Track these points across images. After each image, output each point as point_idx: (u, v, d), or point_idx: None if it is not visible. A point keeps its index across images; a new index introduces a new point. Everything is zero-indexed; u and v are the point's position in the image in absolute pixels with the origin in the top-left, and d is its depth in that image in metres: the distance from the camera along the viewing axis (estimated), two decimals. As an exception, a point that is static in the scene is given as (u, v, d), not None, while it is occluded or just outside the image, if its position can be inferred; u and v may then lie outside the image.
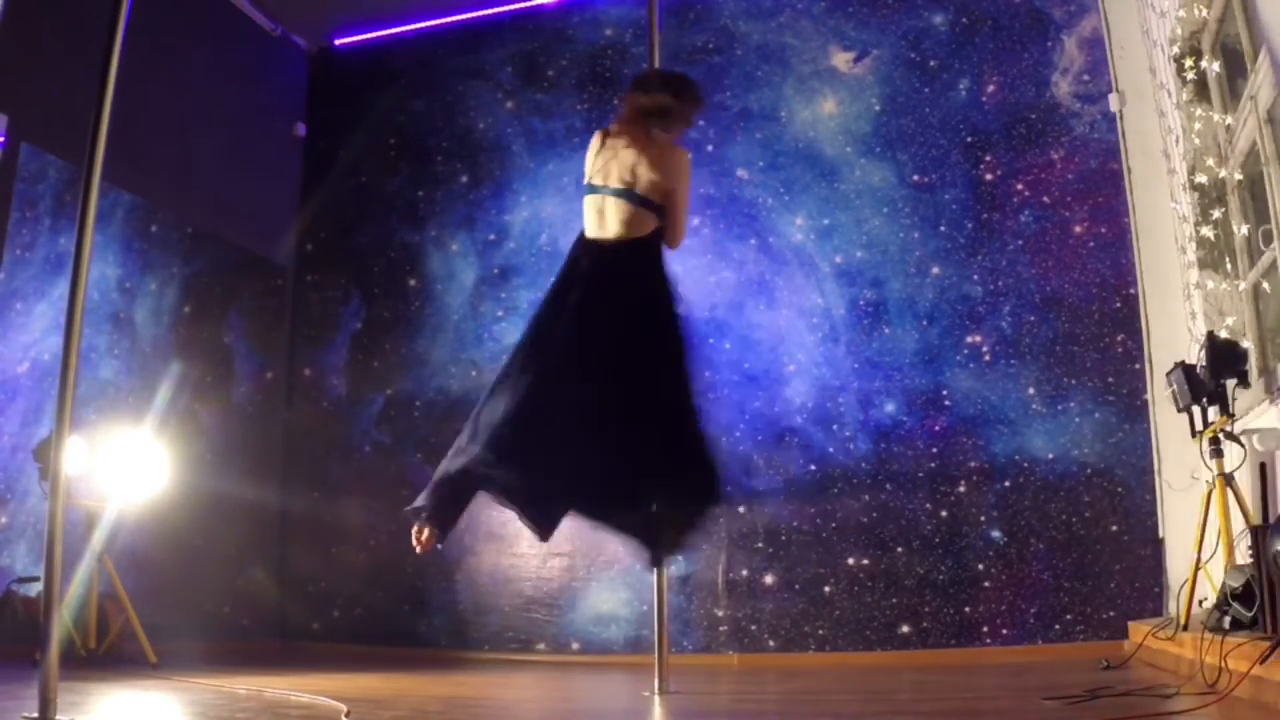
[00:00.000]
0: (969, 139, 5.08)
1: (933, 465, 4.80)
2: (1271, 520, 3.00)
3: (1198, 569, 3.36)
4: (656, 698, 3.04)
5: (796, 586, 4.86)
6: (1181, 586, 3.47)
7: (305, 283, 6.11)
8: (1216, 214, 3.99)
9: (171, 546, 4.90)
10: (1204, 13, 3.93)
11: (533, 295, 5.59)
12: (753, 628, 4.87)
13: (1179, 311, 4.48)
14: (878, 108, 5.25)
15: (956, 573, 4.68)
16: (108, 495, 4.19)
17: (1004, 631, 4.57)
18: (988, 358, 4.85)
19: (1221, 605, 2.87)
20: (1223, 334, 3.72)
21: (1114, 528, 4.54)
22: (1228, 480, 3.28)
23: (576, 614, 5.14)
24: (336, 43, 6.40)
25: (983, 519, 4.71)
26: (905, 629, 4.69)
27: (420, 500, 2.79)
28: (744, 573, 4.93)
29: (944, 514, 4.75)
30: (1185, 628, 3.23)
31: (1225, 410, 3.35)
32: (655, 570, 3.31)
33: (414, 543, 2.77)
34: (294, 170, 6.24)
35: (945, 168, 5.10)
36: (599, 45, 5.80)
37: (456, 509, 2.85)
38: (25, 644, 3.46)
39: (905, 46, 5.27)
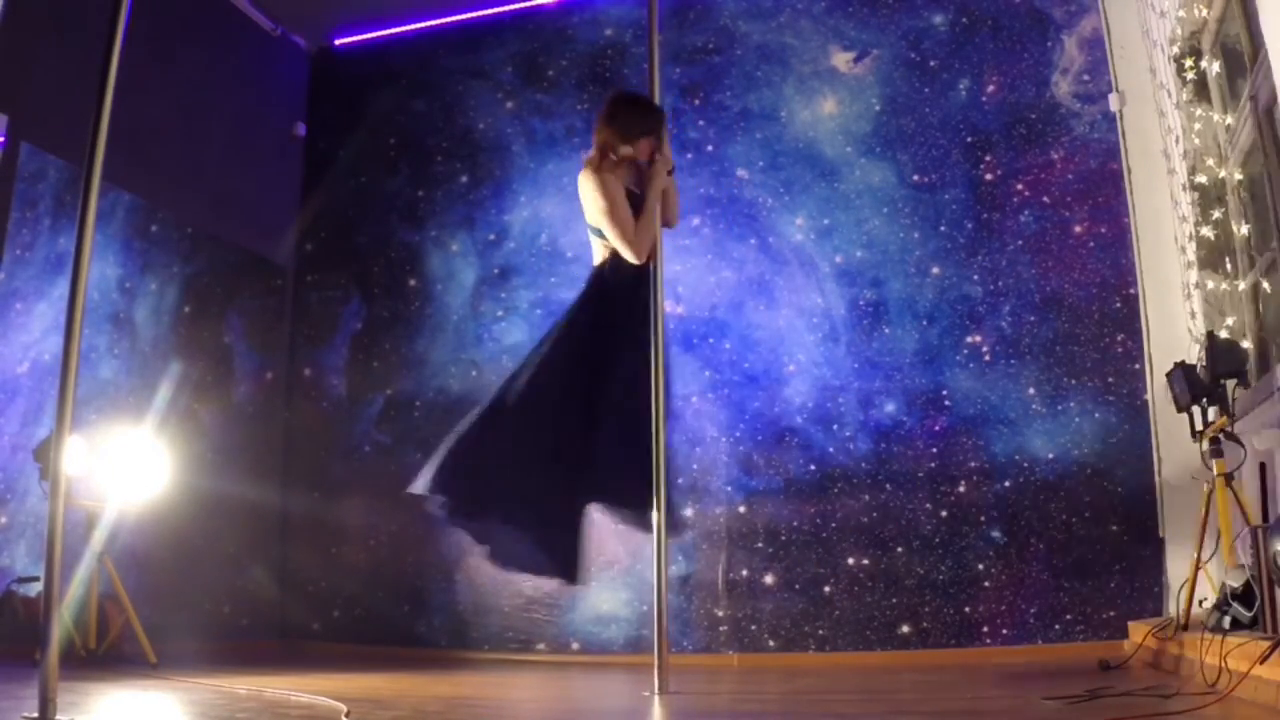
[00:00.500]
0: (969, 139, 5.08)
1: (933, 465, 4.80)
2: (1271, 520, 3.00)
3: (1198, 569, 3.36)
4: (656, 698, 3.04)
5: (796, 586, 4.86)
6: (1181, 586, 3.47)
7: (305, 283, 6.12)
8: (1216, 214, 3.99)
9: (171, 546, 4.90)
10: (1204, 13, 3.93)
11: (533, 295, 5.61)
12: (753, 628, 4.87)
13: (1179, 311, 4.48)
14: (878, 108, 5.25)
15: (956, 573, 4.68)
16: (108, 495, 4.19)
17: (1004, 631, 4.57)
18: (988, 358, 4.85)
19: (1221, 605, 2.87)
20: (1223, 334, 3.72)
21: (1114, 528, 4.54)
22: (1228, 480, 3.28)
23: (576, 614, 5.14)
24: (336, 43, 6.40)
25: (983, 519, 4.71)
26: (905, 629, 4.69)
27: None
28: (744, 573, 4.94)
29: (944, 514, 4.75)
30: (1185, 628, 3.23)
31: (1225, 410, 3.35)
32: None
33: None
34: (294, 170, 6.24)
35: (945, 168, 5.10)
36: (599, 45, 5.80)
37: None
38: (25, 644, 3.46)
39: (905, 46, 5.27)
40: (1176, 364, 3.52)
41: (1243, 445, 3.32)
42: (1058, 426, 4.70)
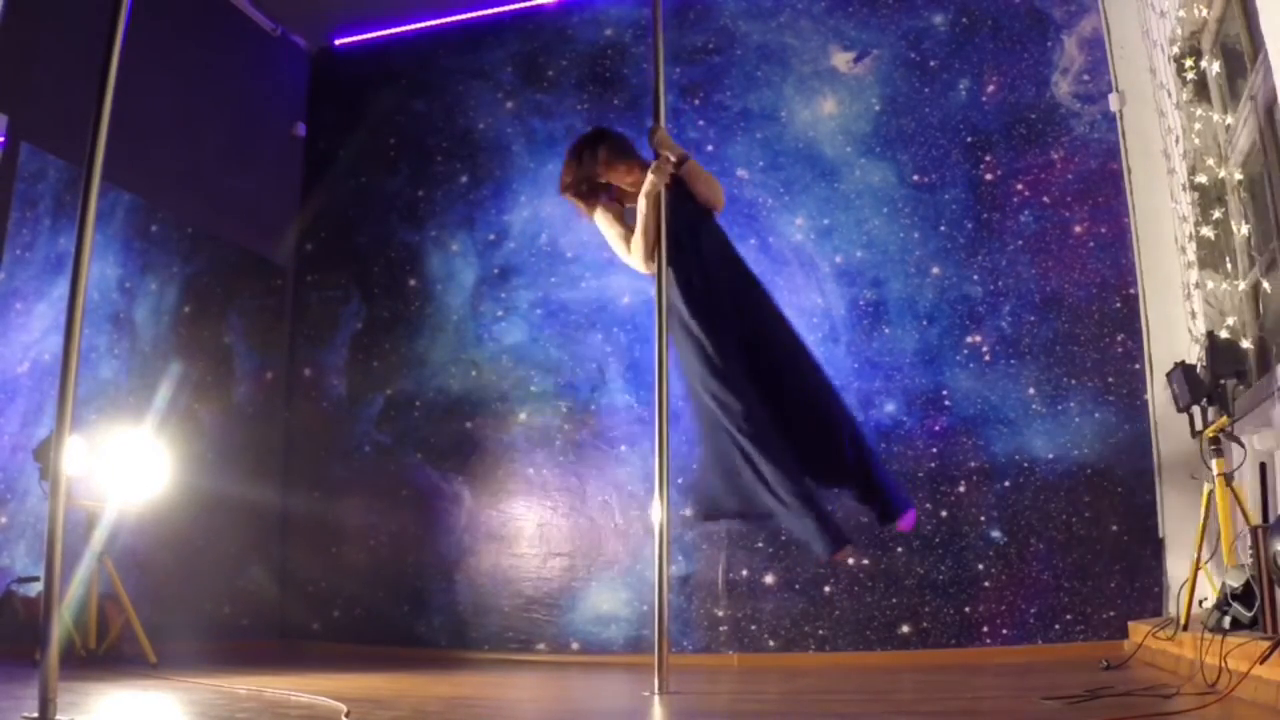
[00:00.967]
0: (969, 139, 5.08)
1: (933, 465, 4.80)
2: (1271, 520, 3.00)
3: (1198, 569, 3.36)
4: (656, 698, 3.04)
5: (796, 586, 4.86)
6: (1181, 586, 3.47)
7: (305, 283, 6.12)
8: (1216, 214, 3.99)
9: (171, 546, 4.90)
10: (1204, 13, 3.93)
11: (533, 295, 5.61)
12: (753, 628, 4.87)
13: (1179, 311, 4.48)
14: (878, 108, 5.25)
15: (956, 573, 4.68)
16: (108, 495, 4.19)
17: (1004, 631, 4.57)
18: (988, 358, 4.86)
19: (1221, 605, 2.87)
20: (1223, 334, 3.72)
21: (1114, 528, 4.54)
22: (1228, 480, 3.28)
23: (576, 614, 5.14)
24: (336, 43, 6.40)
25: (983, 519, 4.71)
26: (905, 629, 4.69)
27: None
28: (744, 573, 4.94)
29: (944, 514, 4.75)
30: (1185, 628, 3.23)
31: (1225, 410, 3.35)
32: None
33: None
34: (294, 170, 6.24)
35: (945, 168, 5.10)
36: (599, 45, 5.81)
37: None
38: (25, 644, 3.47)
39: (905, 46, 5.27)
40: (1176, 364, 3.52)
41: (1243, 445, 3.32)
42: (1058, 426, 4.70)
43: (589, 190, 3.36)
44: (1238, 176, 3.94)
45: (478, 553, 5.37)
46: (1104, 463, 4.61)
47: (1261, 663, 2.22)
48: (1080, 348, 4.74)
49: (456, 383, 5.63)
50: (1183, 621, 3.29)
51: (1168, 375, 3.59)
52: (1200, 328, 3.99)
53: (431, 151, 6.00)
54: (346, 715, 2.38)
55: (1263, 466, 3.30)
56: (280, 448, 5.86)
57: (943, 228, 5.04)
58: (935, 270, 5.01)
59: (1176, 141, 4.31)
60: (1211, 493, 3.32)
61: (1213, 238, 4.00)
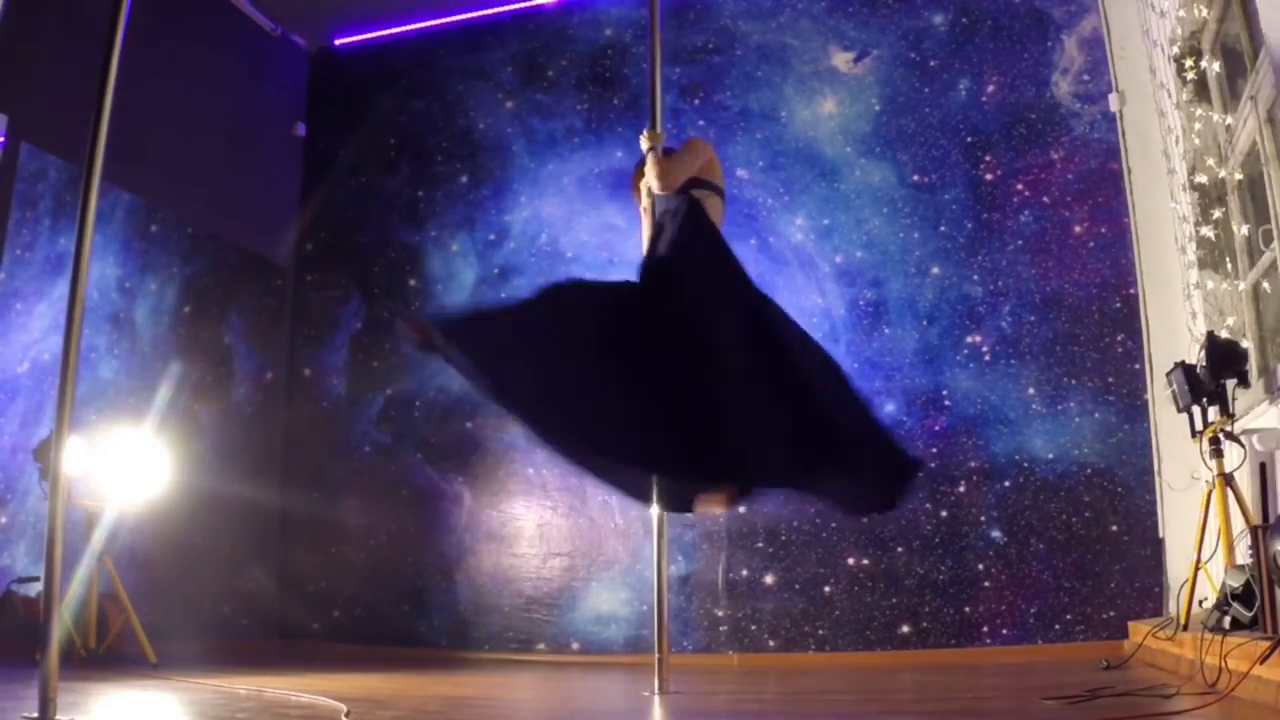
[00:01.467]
0: (969, 139, 5.08)
1: (933, 465, 4.80)
2: (1271, 520, 3.00)
3: (1198, 569, 3.36)
4: (656, 698, 3.04)
5: (796, 586, 4.86)
6: (1181, 586, 3.47)
7: (305, 283, 6.12)
8: (1216, 214, 3.99)
9: (171, 546, 4.90)
10: (1204, 13, 3.93)
11: (533, 295, 5.59)
12: (753, 628, 4.87)
13: (1179, 311, 4.48)
14: (878, 108, 5.25)
15: (956, 573, 4.68)
16: (108, 495, 4.19)
17: (1004, 631, 4.57)
18: (988, 358, 4.85)
19: (1221, 605, 2.87)
20: (1223, 334, 3.72)
21: (1114, 528, 4.54)
22: (1228, 480, 3.28)
23: (576, 614, 5.14)
24: (336, 43, 6.40)
25: (983, 519, 4.71)
26: (905, 629, 4.69)
27: None
28: (744, 573, 4.94)
29: (944, 514, 4.75)
30: (1185, 628, 3.23)
31: (1225, 410, 3.35)
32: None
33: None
34: (294, 170, 6.24)
35: (945, 168, 5.10)
36: (599, 45, 5.80)
37: None
38: (25, 644, 3.46)
39: (905, 46, 5.27)
40: (1176, 364, 3.52)
41: (1243, 445, 3.32)
42: (1058, 426, 4.70)
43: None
44: (1238, 176, 3.94)
45: (478, 553, 5.37)
46: (1104, 463, 4.61)
47: (1261, 663, 2.22)
48: (1080, 348, 4.74)
49: (456, 383, 5.59)
50: (1183, 621, 3.29)
51: (1168, 375, 3.59)
52: (1200, 328, 3.99)
53: (431, 151, 6.00)
54: (346, 715, 2.38)
55: (1263, 466, 3.30)
56: (280, 448, 5.86)
57: (943, 228, 5.04)
58: (935, 270, 5.01)
59: (1176, 142, 4.31)
60: (1211, 493, 3.32)
61: (1213, 238, 4.00)
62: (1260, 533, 2.64)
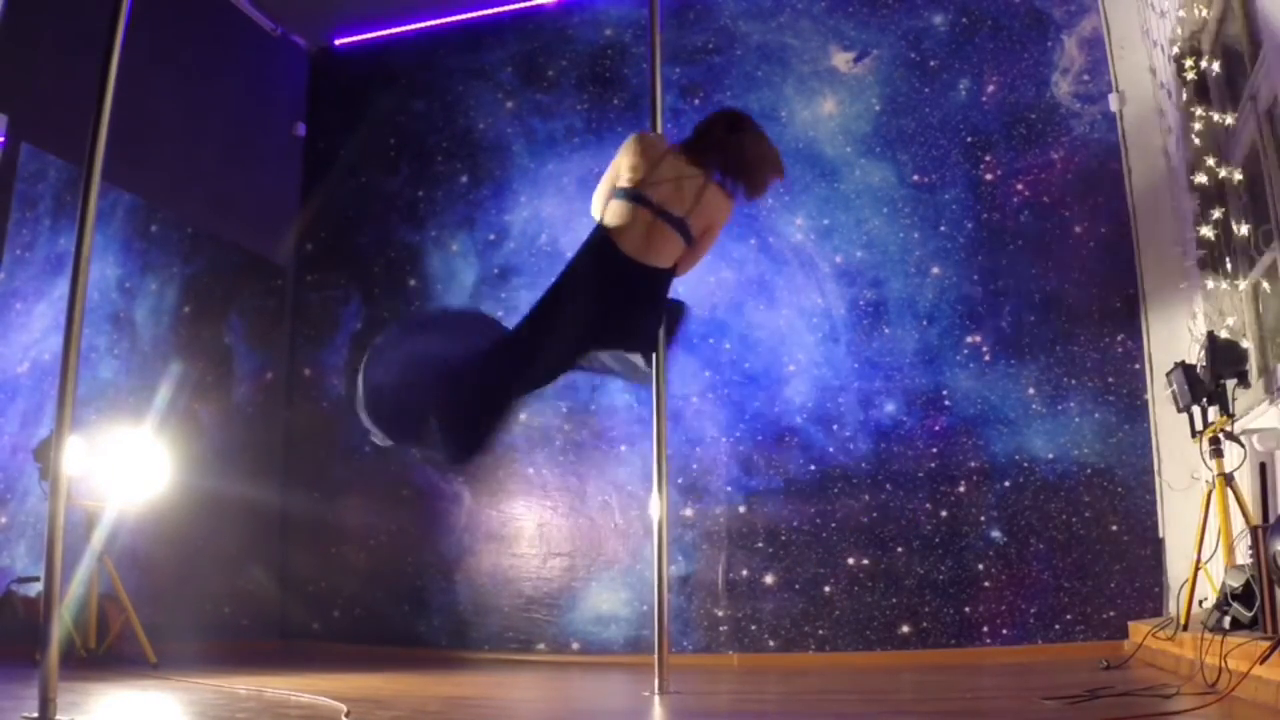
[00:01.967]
0: (969, 139, 5.08)
1: (933, 465, 4.80)
2: (1271, 520, 3.00)
3: (1198, 569, 3.36)
4: (656, 698, 3.04)
5: (796, 586, 4.86)
6: (1181, 586, 3.47)
7: (305, 283, 6.12)
8: (1216, 214, 3.99)
9: (171, 546, 4.90)
10: (1204, 13, 3.93)
11: (533, 295, 5.56)
12: (753, 628, 4.87)
13: (1179, 311, 4.48)
14: (878, 108, 5.25)
15: (956, 573, 4.68)
16: (108, 495, 4.19)
17: (1004, 631, 4.57)
18: (988, 358, 4.86)
19: (1221, 605, 2.87)
20: (1223, 334, 3.72)
21: (1114, 528, 4.54)
22: (1228, 480, 3.28)
23: (576, 614, 5.14)
24: (336, 43, 6.40)
25: (983, 519, 4.71)
26: (905, 629, 4.69)
27: None
28: (744, 573, 4.94)
29: (944, 514, 4.75)
30: (1185, 628, 3.23)
31: (1225, 410, 3.35)
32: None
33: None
34: (294, 170, 6.24)
35: (945, 168, 5.10)
36: (599, 45, 5.80)
37: None
38: (25, 644, 3.46)
39: (905, 46, 5.27)
40: (1176, 364, 3.52)
41: (1243, 445, 3.32)
42: (1058, 426, 4.70)
43: None
44: (1238, 176, 3.94)
45: (478, 553, 5.37)
46: (1104, 463, 4.61)
47: (1261, 663, 2.22)
48: (1080, 348, 4.74)
49: (456, 383, 5.62)
50: (1183, 621, 3.29)
51: (1168, 375, 3.59)
52: (1200, 328, 4.00)
53: (431, 151, 6.00)
54: (346, 715, 2.38)
55: (1263, 466, 3.30)
56: (280, 448, 5.86)
57: (943, 228, 5.04)
58: (935, 270, 5.01)
59: (1176, 142, 4.31)
60: (1211, 493, 3.32)
61: (1213, 238, 4.00)
62: (1260, 533, 2.63)
